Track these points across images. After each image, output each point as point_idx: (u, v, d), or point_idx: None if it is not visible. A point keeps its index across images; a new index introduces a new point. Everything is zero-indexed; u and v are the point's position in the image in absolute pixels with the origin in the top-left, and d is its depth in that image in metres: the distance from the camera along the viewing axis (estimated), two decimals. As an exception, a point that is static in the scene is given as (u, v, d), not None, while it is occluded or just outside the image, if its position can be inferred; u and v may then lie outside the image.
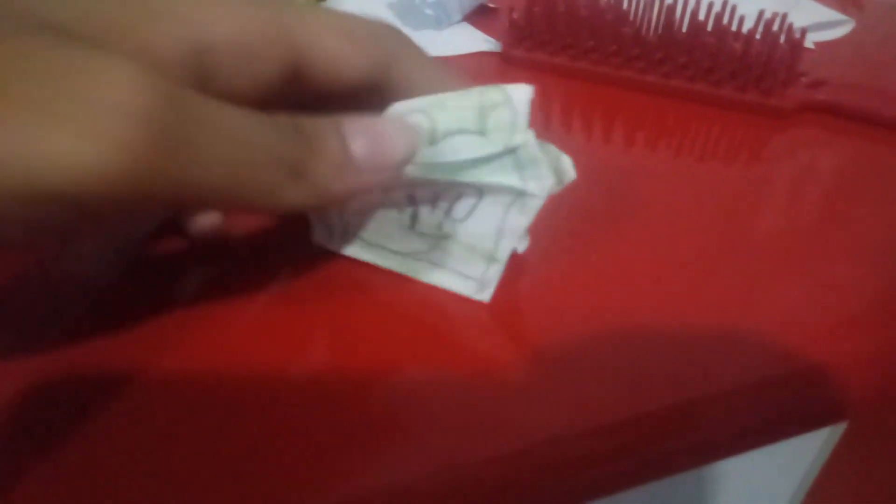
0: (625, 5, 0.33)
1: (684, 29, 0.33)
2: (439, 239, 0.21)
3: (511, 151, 0.19)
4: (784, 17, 0.33)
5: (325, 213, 0.22)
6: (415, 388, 0.18)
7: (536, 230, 0.22)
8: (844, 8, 0.44)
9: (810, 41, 0.40)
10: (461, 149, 0.19)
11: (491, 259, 0.21)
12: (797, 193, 0.28)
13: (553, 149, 0.20)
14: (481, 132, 0.19)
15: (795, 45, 0.32)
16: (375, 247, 0.22)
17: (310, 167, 0.15)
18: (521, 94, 0.18)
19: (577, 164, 0.21)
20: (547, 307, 0.21)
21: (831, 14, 0.43)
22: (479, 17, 0.40)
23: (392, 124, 0.17)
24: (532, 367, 0.19)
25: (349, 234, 0.22)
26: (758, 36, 0.32)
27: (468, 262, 0.21)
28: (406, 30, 0.23)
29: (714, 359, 0.20)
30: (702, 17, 0.33)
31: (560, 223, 0.24)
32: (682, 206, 0.26)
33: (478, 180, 0.20)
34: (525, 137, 0.18)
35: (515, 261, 0.22)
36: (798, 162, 0.30)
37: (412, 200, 0.21)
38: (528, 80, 0.37)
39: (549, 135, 0.32)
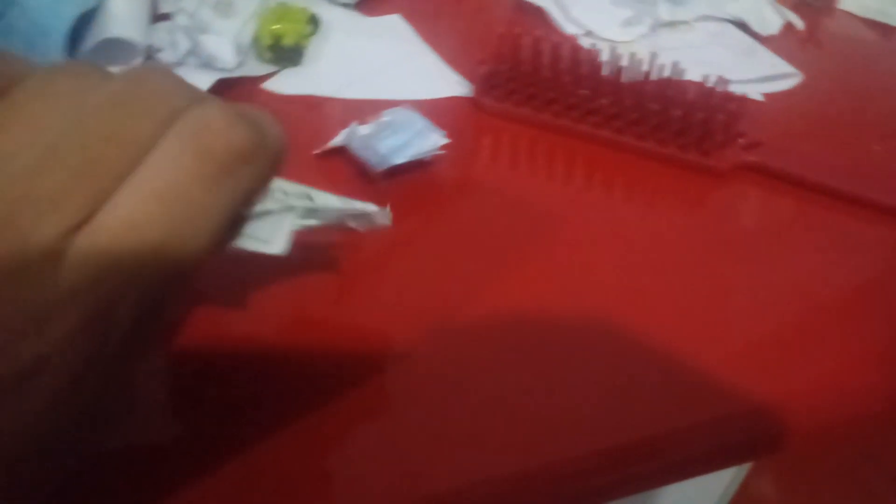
0: (583, 69, 0.37)
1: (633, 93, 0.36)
2: None
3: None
4: (726, 83, 0.36)
5: None
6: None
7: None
8: (801, 54, 0.48)
9: (760, 92, 0.44)
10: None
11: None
12: (723, 241, 0.33)
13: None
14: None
15: (732, 112, 0.36)
16: None
17: None
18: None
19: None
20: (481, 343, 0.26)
21: (782, 66, 0.46)
22: (456, 55, 0.43)
23: None
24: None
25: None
26: (699, 102, 0.36)
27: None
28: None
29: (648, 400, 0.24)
30: (652, 77, 0.37)
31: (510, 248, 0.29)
32: (618, 243, 0.32)
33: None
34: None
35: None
36: (728, 215, 0.35)
37: None
38: (495, 127, 0.40)
39: (514, 176, 0.36)
